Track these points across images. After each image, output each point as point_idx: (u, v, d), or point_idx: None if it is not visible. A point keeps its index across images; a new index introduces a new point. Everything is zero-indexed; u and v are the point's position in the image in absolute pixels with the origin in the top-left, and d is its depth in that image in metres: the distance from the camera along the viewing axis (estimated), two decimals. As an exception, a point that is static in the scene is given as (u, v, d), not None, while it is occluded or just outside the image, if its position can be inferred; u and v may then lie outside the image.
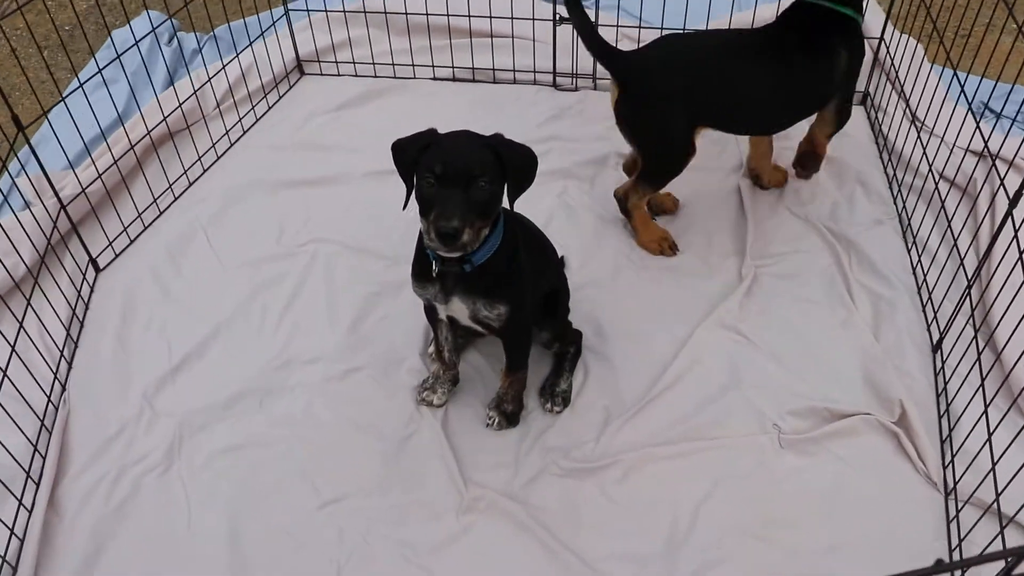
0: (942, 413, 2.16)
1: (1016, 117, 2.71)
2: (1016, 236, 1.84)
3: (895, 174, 2.70)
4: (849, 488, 2.06)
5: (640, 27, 2.96)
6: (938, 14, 2.56)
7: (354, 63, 3.11)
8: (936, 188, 2.46)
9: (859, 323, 2.35)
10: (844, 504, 2.03)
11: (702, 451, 2.13)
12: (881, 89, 2.91)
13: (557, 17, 2.85)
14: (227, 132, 2.91)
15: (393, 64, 3.09)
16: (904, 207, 2.61)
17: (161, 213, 2.75)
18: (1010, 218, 1.94)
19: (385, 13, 3.04)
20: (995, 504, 1.80)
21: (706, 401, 2.23)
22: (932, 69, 2.77)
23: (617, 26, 3.01)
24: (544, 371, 2.30)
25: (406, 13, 3.04)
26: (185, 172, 2.80)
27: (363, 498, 2.11)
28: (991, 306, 2.18)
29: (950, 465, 2.04)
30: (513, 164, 1.78)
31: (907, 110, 2.77)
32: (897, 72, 2.83)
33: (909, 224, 2.56)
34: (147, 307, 2.52)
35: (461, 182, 1.70)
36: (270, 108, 3.06)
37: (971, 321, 2.11)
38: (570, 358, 2.30)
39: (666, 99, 2.31)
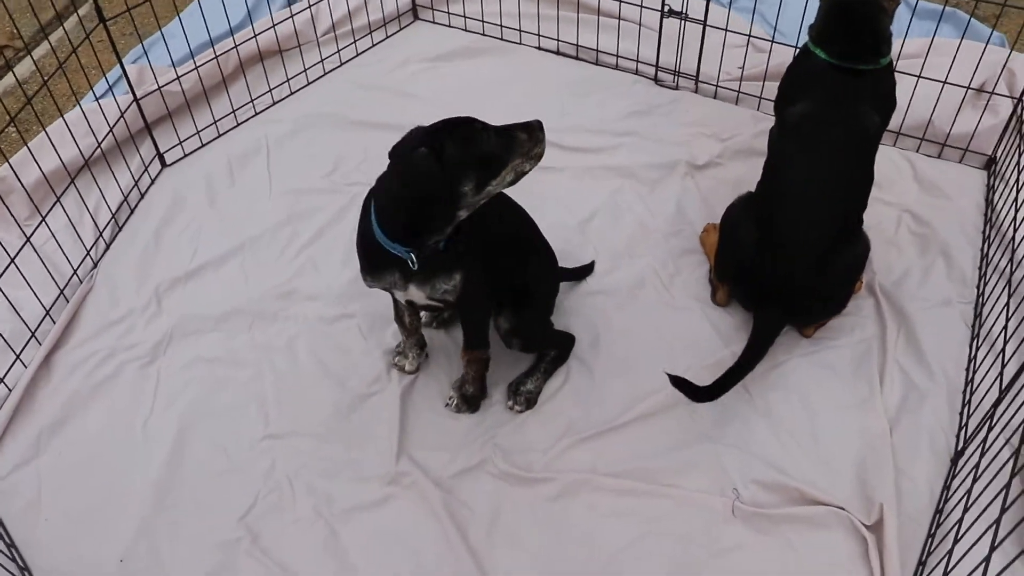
0: (931, 532, 1.87)
1: None
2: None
3: (988, 254, 2.33)
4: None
5: (772, 41, 2.69)
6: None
7: (465, 17, 3.05)
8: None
9: (878, 408, 2.06)
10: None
11: (647, 495, 1.96)
12: (1011, 155, 2.51)
13: (666, 8, 2.66)
14: (322, 60, 2.95)
15: (501, 26, 3.00)
16: (983, 293, 2.25)
17: (238, 125, 2.83)
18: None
19: None
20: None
21: (675, 445, 2.04)
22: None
23: (749, 36, 2.77)
24: (522, 369, 2.19)
25: None
26: (271, 91, 2.86)
27: (304, 441, 2.11)
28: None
29: (917, 591, 1.77)
30: None
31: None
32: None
33: (980, 313, 2.22)
34: (192, 210, 2.61)
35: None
36: (373, 45, 3.06)
37: (983, 444, 1.79)
38: (549, 360, 2.17)
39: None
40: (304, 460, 2.07)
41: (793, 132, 2.11)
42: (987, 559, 1.36)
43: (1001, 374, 1.94)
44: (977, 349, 2.13)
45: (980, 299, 2.24)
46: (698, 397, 1.99)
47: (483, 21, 3.03)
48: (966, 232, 2.41)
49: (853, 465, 1.98)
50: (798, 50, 2.20)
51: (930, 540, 1.83)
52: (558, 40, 2.95)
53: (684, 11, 2.65)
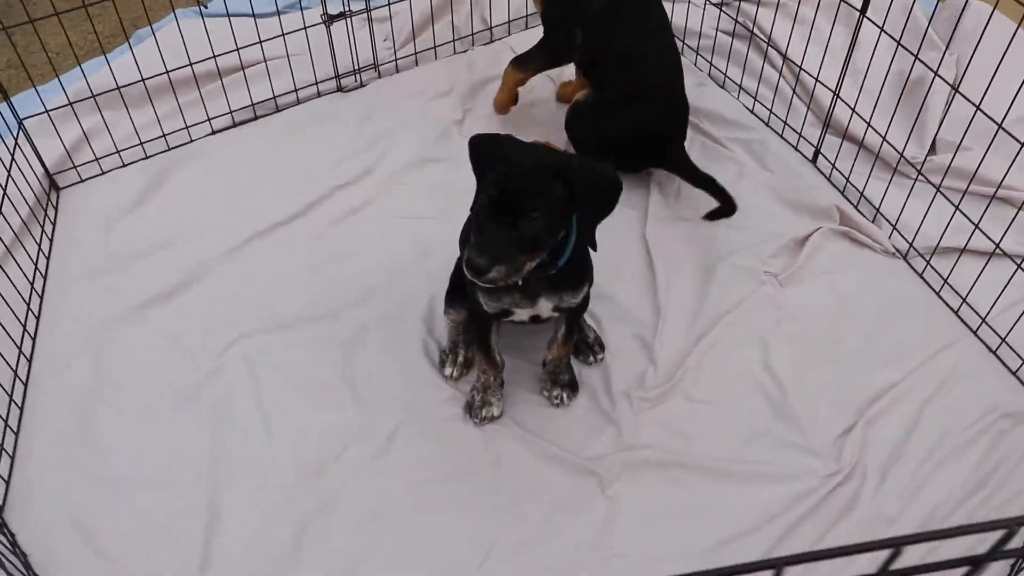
0: (857, 203, 2.55)
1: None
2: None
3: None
4: (846, 291, 2.39)
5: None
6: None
7: (118, 152, 2.61)
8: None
9: (750, 170, 2.65)
10: (852, 304, 2.36)
11: (736, 323, 2.30)
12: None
13: (325, 16, 2.67)
14: (31, 284, 2.33)
15: (164, 135, 2.65)
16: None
17: (21, 407, 2.15)
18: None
19: (118, 88, 2.54)
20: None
21: (702, 286, 2.38)
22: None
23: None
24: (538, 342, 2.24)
25: (143, 79, 2.54)
26: (19, 347, 2.20)
27: (499, 537, 1.94)
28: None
29: (893, 232, 2.46)
30: (584, 192, 1.66)
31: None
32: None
33: (725, 77, 2.92)
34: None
35: (509, 212, 1.63)
36: (52, 239, 2.48)
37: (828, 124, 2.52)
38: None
39: None
40: (523, 557, 1.93)
41: (608, 22, 2.42)
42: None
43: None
44: (756, 98, 2.83)
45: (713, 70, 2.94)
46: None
47: (140, 144, 2.63)
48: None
49: (788, 206, 2.57)
50: None
51: (863, 202, 2.54)
52: (231, 112, 2.72)
53: (347, 9, 2.68)
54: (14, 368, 2.16)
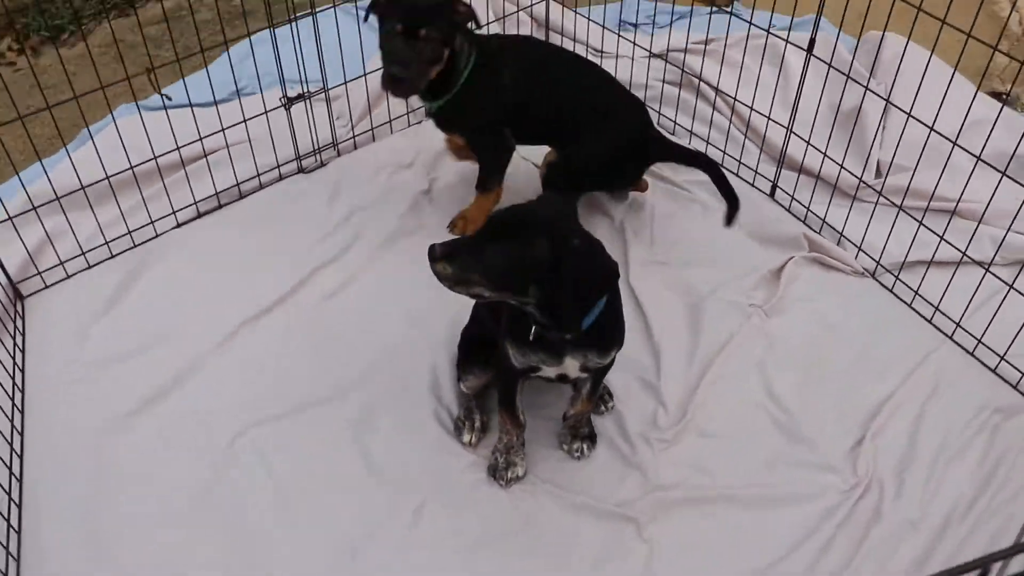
0: (819, 229, 2.68)
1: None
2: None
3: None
4: (827, 313, 2.51)
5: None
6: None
7: (83, 254, 2.52)
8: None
9: (715, 210, 2.73)
10: (835, 325, 2.48)
11: (732, 356, 2.39)
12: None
13: (284, 100, 2.67)
14: (12, 400, 2.20)
15: (130, 232, 2.58)
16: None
17: (19, 531, 2.02)
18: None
19: (82, 188, 2.48)
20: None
21: (693, 324, 2.46)
22: None
23: (365, 74, 2.90)
24: (552, 399, 2.26)
25: (107, 177, 2.49)
26: (9, 467, 2.07)
27: None
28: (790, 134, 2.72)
29: (859, 253, 2.59)
30: (569, 270, 1.67)
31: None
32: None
33: (675, 125, 3.03)
34: None
35: (495, 238, 1.72)
36: (24, 353, 2.35)
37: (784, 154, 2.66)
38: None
39: None
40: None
41: (526, 95, 2.48)
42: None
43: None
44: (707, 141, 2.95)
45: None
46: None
47: (106, 243, 2.54)
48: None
49: (756, 243, 2.70)
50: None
51: (824, 228, 2.66)
52: (195, 203, 2.67)
53: (306, 90, 2.68)
54: (7, 490, 2.03)
